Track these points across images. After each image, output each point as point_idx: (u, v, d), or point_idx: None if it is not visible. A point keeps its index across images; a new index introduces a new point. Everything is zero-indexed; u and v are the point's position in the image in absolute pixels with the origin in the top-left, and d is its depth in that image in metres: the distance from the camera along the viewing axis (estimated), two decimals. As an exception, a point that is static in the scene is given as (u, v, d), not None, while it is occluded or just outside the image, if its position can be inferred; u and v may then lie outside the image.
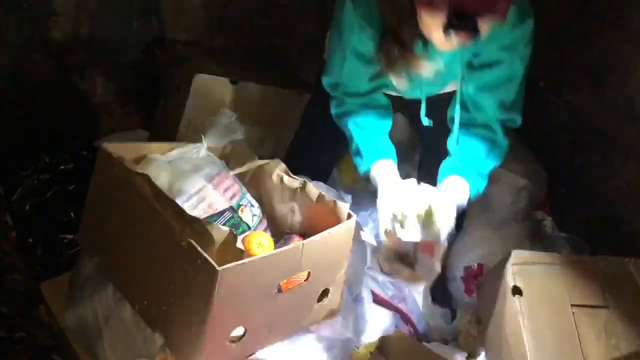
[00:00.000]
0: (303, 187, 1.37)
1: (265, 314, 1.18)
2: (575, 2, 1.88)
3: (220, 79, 1.93)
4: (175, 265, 1.10)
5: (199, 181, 1.29)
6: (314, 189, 1.36)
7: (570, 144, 2.04)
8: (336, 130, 1.56)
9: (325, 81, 1.50)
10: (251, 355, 1.22)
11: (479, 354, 1.68)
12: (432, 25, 1.19)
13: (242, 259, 1.08)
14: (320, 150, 1.76)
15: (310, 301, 1.26)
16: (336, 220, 1.29)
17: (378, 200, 1.40)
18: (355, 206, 1.76)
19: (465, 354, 1.69)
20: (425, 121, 1.49)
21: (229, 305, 1.08)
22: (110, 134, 2.08)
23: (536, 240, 1.97)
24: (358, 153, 1.48)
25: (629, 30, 1.71)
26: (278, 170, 1.41)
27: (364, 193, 2.13)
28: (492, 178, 1.94)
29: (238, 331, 1.15)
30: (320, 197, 1.33)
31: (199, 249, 1.04)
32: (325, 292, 1.28)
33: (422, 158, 1.88)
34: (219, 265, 1.02)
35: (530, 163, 2.03)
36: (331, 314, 1.34)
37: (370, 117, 1.50)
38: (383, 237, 1.38)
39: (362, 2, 1.33)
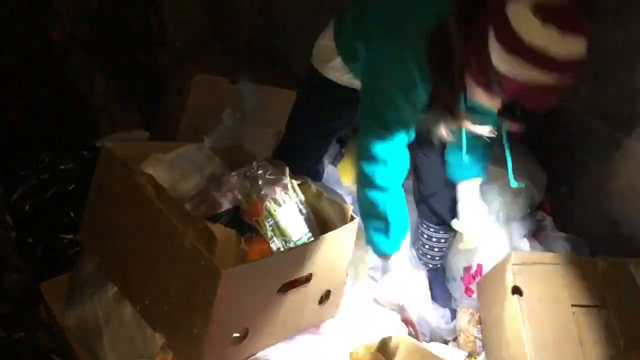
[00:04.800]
0: (304, 187, 1.37)
1: (267, 315, 1.18)
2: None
3: (220, 79, 1.93)
4: (178, 265, 1.10)
5: (200, 182, 1.29)
6: (316, 190, 1.36)
7: (570, 144, 2.04)
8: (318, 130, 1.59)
9: (375, 151, 1.34)
10: (252, 355, 1.22)
11: (479, 354, 1.68)
12: (485, 102, 1.23)
13: (245, 260, 1.08)
14: (302, 154, 1.71)
15: (312, 302, 1.26)
16: (338, 221, 1.29)
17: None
18: (356, 206, 1.76)
19: (465, 354, 1.69)
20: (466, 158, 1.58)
21: (232, 306, 1.08)
22: (110, 134, 2.07)
23: (536, 240, 1.97)
24: (385, 231, 1.44)
25: (630, 30, 1.71)
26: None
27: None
28: (491, 177, 1.96)
29: (240, 332, 1.15)
30: (323, 198, 1.33)
31: (202, 249, 1.04)
32: (326, 294, 1.28)
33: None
34: (222, 266, 1.02)
35: (529, 163, 2.03)
36: (332, 314, 1.34)
37: (400, 193, 1.45)
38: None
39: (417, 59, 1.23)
